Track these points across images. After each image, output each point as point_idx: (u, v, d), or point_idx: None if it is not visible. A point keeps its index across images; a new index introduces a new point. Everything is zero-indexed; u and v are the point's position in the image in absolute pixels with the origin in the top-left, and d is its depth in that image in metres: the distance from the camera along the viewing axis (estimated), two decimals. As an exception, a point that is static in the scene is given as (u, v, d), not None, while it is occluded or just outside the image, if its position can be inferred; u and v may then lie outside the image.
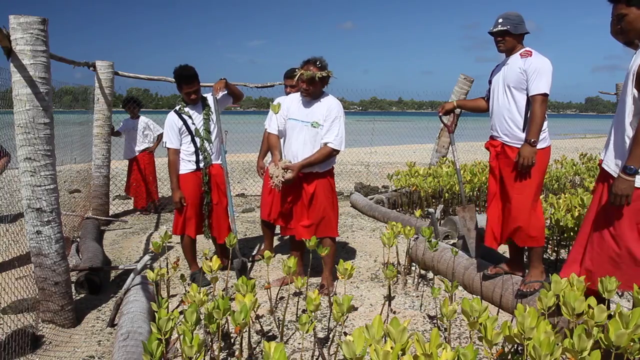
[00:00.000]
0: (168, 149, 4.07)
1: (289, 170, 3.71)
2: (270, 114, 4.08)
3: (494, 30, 3.36)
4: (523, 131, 3.31)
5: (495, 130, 3.48)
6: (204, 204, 4.14)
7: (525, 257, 3.82)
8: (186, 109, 4.09)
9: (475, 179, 6.32)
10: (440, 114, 3.98)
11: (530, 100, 3.26)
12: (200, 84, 4.17)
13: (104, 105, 6.32)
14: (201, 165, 4.09)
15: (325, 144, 3.75)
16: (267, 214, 4.38)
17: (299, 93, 3.87)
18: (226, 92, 4.20)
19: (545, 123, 3.29)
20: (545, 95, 3.22)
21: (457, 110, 4.06)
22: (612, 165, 2.65)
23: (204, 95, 4.24)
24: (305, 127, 3.79)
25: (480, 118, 4.35)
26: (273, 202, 4.23)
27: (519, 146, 3.29)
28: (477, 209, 6.31)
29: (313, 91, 3.75)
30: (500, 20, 3.35)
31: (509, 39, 3.35)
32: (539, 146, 3.25)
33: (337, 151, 3.79)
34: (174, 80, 4.10)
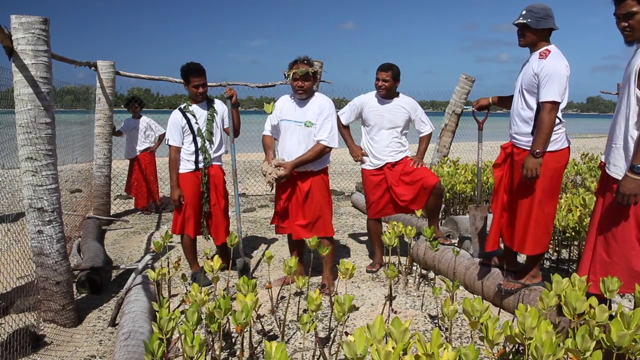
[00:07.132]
0: (170, 146, 4.08)
1: (282, 168, 3.72)
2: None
3: (514, 22, 3.15)
4: (532, 135, 3.12)
5: (510, 131, 3.31)
6: (202, 204, 4.14)
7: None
8: (191, 108, 4.08)
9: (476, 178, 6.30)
10: (474, 109, 3.91)
11: (539, 107, 3.05)
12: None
13: (105, 104, 6.32)
14: (200, 165, 4.09)
15: (318, 141, 3.77)
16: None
17: (291, 94, 3.89)
18: (235, 101, 4.14)
19: (561, 124, 3.10)
20: (554, 103, 2.98)
21: (459, 110, 4.02)
22: (610, 167, 2.62)
23: (212, 97, 4.25)
24: (298, 127, 3.82)
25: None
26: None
27: (528, 149, 3.11)
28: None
29: (308, 87, 3.77)
30: (524, 12, 3.10)
31: (529, 34, 3.11)
32: (548, 148, 3.05)
33: (330, 148, 3.83)
34: (175, 80, 4.09)
